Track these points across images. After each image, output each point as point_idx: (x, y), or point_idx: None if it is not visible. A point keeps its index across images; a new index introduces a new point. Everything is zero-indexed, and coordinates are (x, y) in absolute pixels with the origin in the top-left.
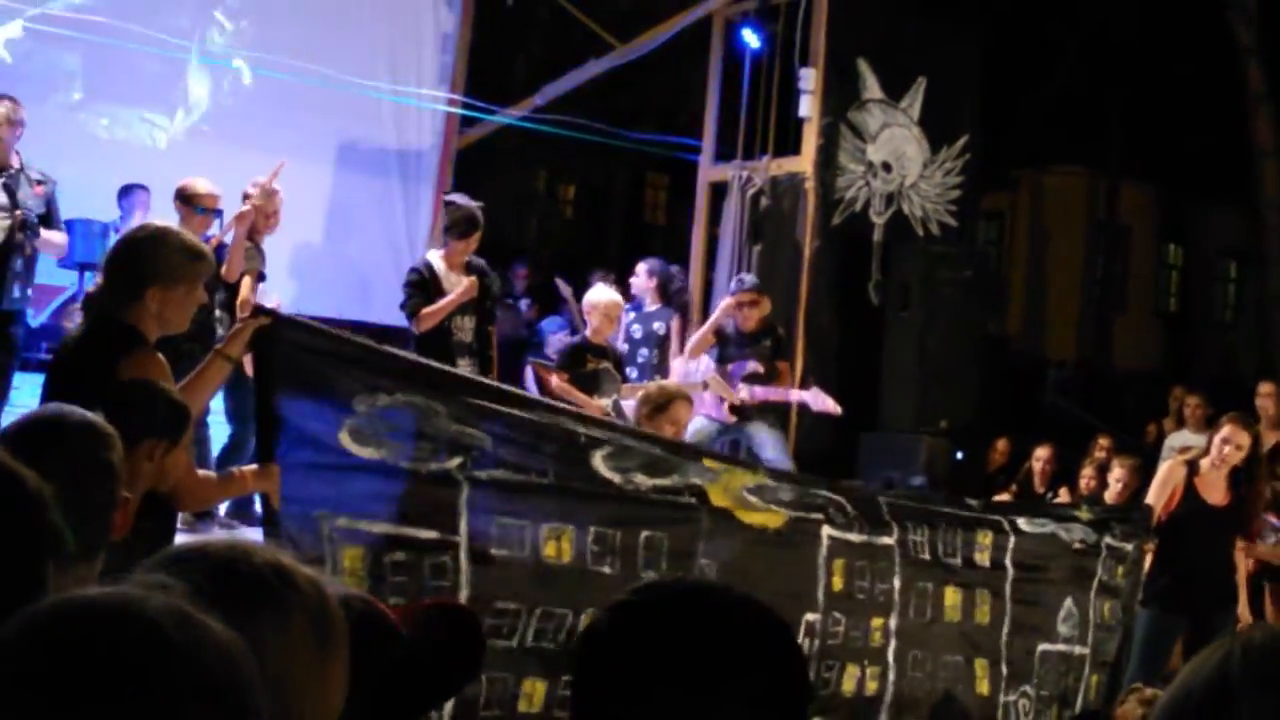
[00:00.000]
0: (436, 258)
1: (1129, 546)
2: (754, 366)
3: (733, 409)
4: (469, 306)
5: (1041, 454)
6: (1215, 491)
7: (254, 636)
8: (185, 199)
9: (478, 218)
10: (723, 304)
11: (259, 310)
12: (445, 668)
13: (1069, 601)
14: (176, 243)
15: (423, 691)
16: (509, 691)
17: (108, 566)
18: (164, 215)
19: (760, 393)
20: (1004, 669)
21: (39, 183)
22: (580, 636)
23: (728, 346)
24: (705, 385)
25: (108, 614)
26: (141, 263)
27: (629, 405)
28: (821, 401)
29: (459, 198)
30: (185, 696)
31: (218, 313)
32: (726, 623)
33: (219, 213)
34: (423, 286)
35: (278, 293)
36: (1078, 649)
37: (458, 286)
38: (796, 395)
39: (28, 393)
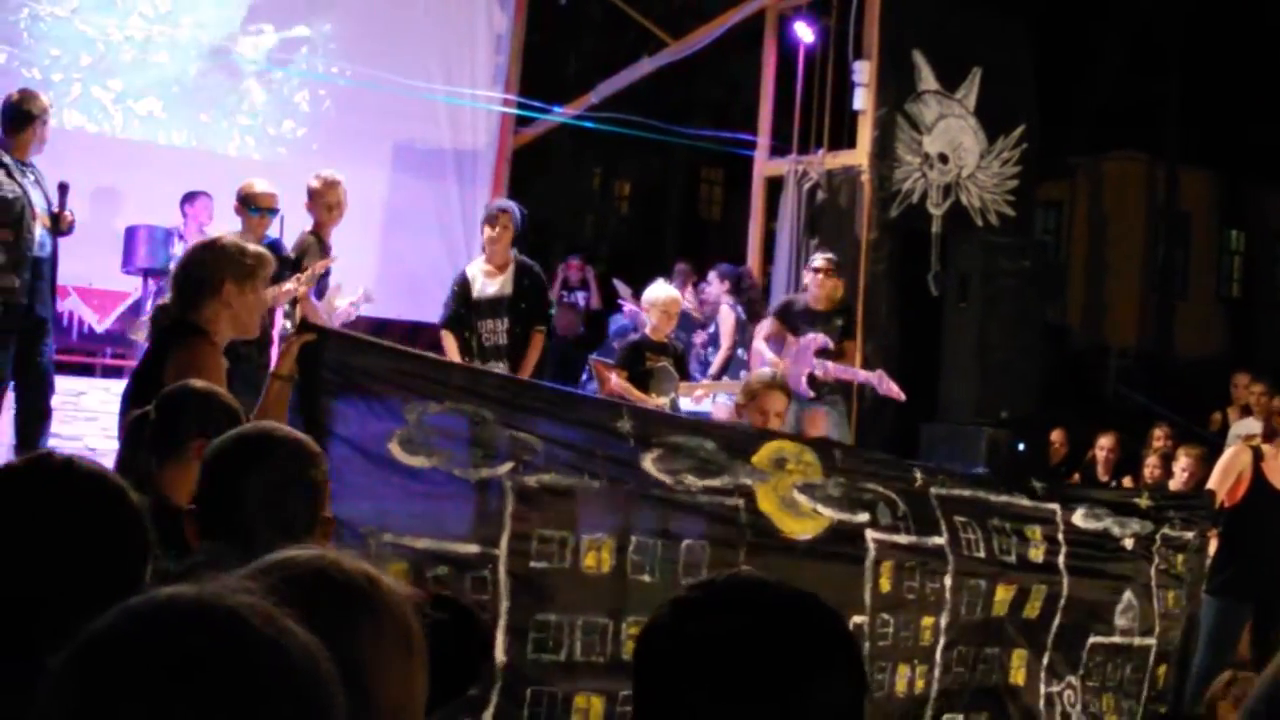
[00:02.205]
0: (475, 265)
1: (1189, 535)
2: (823, 340)
3: (810, 382)
4: (500, 308)
5: (1105, 443)
6: None
7: (353, 644)
8: (242, 200)
9: (492, 207)
10: (755, 346)
11: (305, 327)
12: (450, 673)
13: (1128, 594)
14: (241, 244)
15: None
16: (559, 705)
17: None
18: (228, 220)
19: (833, 369)
20: (1044, 660)
21: (61, 183)
22: (642, 633)
23: (798, 323)
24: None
25: (196, 607)
26: (218, 260)
27: (686, 403)
28: (886, 385)
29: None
30: (270, 686)
31: (285, 305)
32: (786, 617)
33: (275, 211)
34: (454, 296)
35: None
36: (1138, 640)
37: (488, 289)
38: (863, 375)
39: (94, 398)
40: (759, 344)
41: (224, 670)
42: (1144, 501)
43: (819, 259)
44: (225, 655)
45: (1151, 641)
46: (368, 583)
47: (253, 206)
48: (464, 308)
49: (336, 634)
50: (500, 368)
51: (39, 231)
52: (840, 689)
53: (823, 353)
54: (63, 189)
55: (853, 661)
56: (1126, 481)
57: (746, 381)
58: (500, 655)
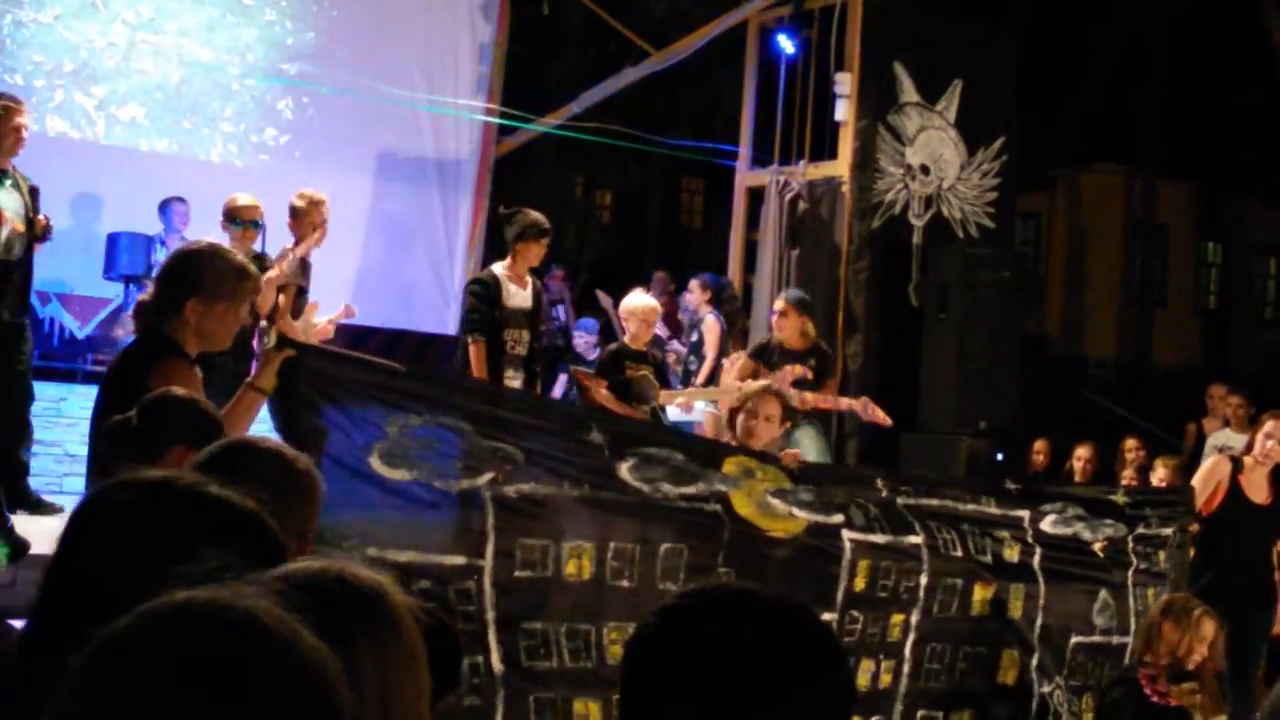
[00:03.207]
0: (501, 269)
1: (1167, 531)
2: (801, 371)
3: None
4: (525, 319)
5: (1082, 453)
6: (1258, 490)
7: (370, 651)
8: (226, 215)
9: (547, 223)
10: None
11: (284, 342)
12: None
13: (1103, 594)
14: (224, 259)
15: None
16: (560, 710)
17: None
18: (206, 227)
19: (811, 398)
20: (1034, 661)
21: (31, 186)
22: (629, 643)
23: (772, 359)
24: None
25: (212, 611)
26: (187, 276)
27: (675, 412)
28: (871, 412)
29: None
30: (284, 690)
31: (263, 323)
32: (774, 627)
33: (259, 224)
34: (487, 299)
35: (328, 308)
36: (1116, 639)
37: (516, 298)
38: (846, 403)
39: (75, 404)
40: (729, 378)
41: (239, 673)
42: (1121, 499)
43: (778, 301)
44: (241, 659)
45: (1128, 640)
46: (379, 591)
47: (236, 220)
48: (497, 311)
49: (354, 642)
50: (519, 379)
51: (4, 234)
52: (828, 699)
53: (801, 382)
54: (33, 193)
55: (840, 671)
56: None
57: (744, 389)
58: (497, 665)
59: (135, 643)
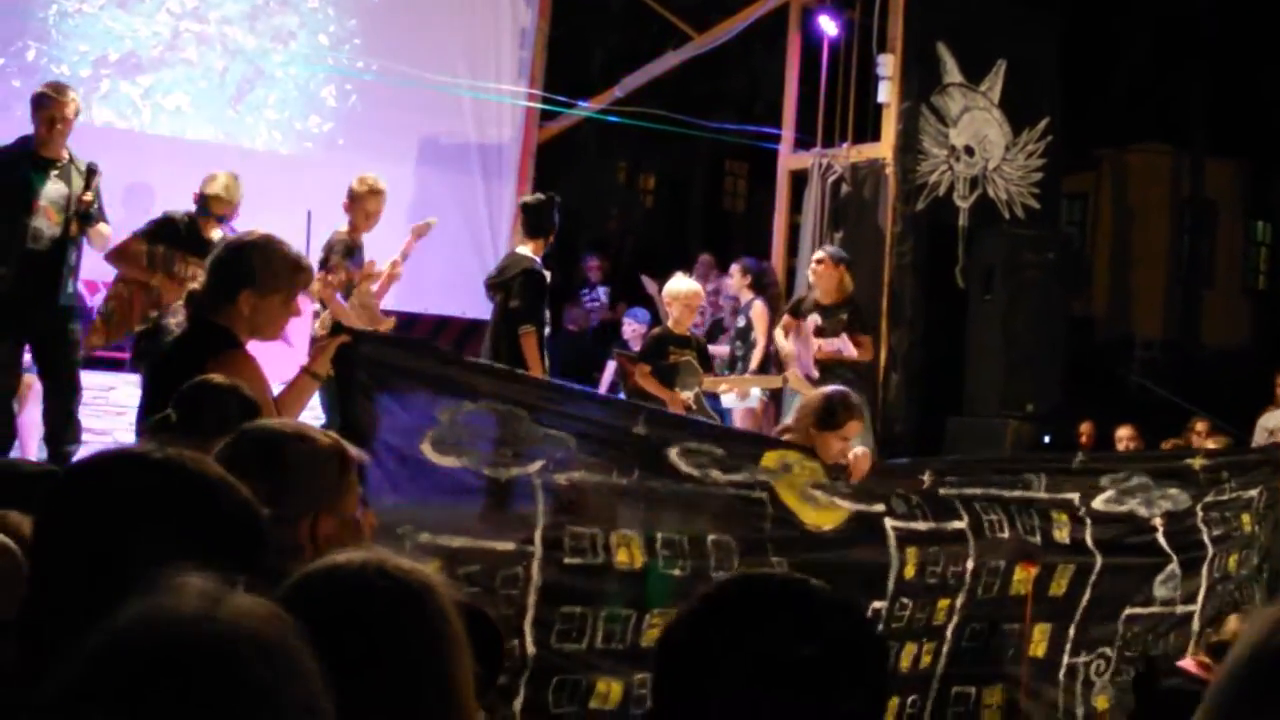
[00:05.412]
0: (534, 255)
1: (1251, 493)
2: (815, 320)
3: (818, 364)
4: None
5: (1124, 434)
6: None
7: (427, 641)
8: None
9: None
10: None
11: (339, 329)
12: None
13: (1172, 565)
14: (279, 252)
15: None
16: (581, 691)
17: None
18: (252, 214)
19: (826, 347)
20: (1070, 633)
21: (90, 173)
22: (664, 631)
23: (803, 312)
24: (785, 380)
25: (182, 634)
26: (240, 266)
27: (730, 399)
28: (849, 349)
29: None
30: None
31: (315, 305)
32: (812, 617)
33: (224, 219)
34: (543, 292)
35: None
36: (1180, 608)
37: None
38: (834, 344)
39: (123, 393)
40: (777, 335)
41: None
42: (1197, 463)
43: (818, 252)
44: (212, 692)
45: (1194, 608)
46: (424, 581)
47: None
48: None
49: (404, 631)
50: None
51: (38, 224)
52: (862, 689)
53: (819, 331)
54: (90, 172)
55: (878, 663)
56: None
57: (822, 399)
58: (530, 647)
59: (100, 662)
